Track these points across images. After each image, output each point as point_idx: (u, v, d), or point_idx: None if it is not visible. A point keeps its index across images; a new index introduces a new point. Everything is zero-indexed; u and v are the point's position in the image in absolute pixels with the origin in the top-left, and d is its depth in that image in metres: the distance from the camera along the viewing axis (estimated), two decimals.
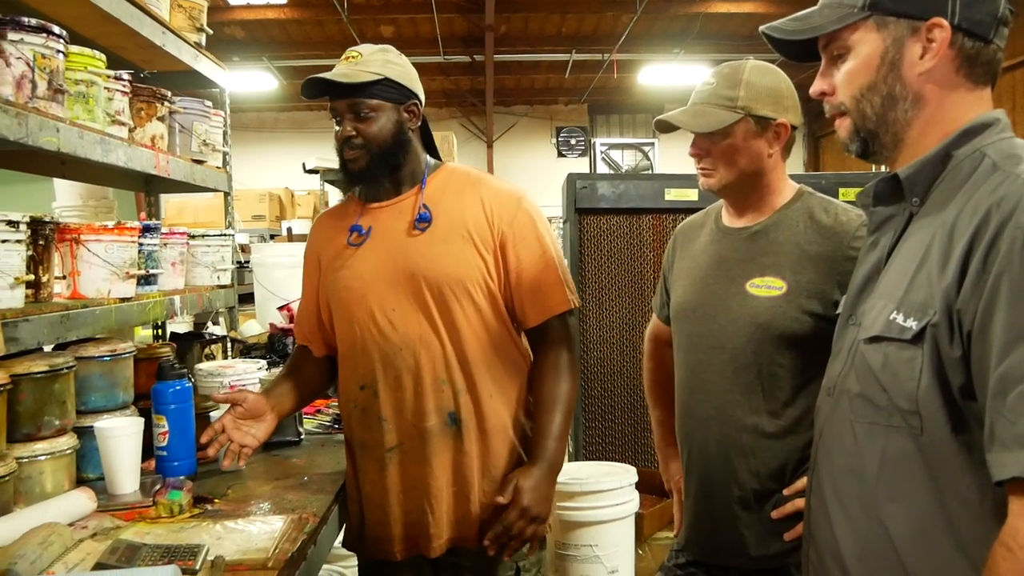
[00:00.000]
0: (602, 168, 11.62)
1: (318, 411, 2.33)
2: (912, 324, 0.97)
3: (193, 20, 2.46)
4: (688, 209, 1.89)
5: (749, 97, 1.49)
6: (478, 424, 1.60)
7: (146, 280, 2.10)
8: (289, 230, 5.66)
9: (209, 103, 2.52)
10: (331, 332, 1.72)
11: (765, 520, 1.49)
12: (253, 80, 10.26)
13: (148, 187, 2.79)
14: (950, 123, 1.04)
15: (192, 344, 2.44)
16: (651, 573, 1.78)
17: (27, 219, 1.58)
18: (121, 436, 1.54)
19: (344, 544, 1.74)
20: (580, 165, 13.28)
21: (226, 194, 2.81)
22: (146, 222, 2.10)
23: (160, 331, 2.78)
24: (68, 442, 1.55)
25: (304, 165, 5.77)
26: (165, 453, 1.70)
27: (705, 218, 1.71)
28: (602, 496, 2.25)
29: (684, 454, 1.63)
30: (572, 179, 3.05)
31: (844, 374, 1.08)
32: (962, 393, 0.93)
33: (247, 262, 3.64)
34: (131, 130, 2.08)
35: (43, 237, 1.70)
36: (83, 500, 1.41)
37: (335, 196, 5.86)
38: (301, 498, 1.60)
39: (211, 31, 2.57)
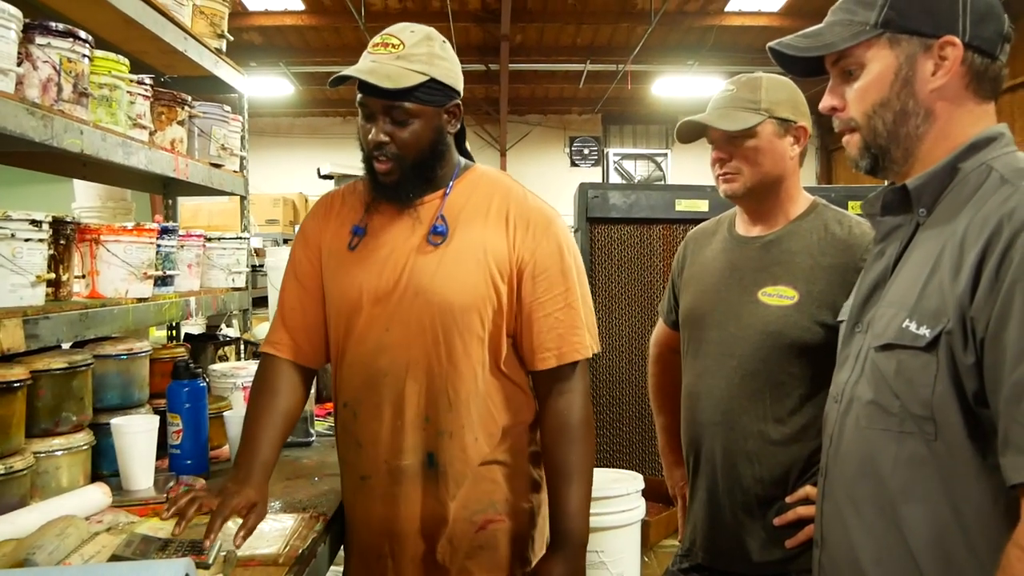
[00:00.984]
0: (614, 178, 11.64)
1: (329, 413, 2.36)
2: (926, 332, 0.99)
3: (214, 26, 2.50)
4: (698, 220, 1.90)
5: (770, 100, 1.53)
6: (459, 470, 1.44)
7: (163, 281, 2.14)
8: None
9: (228, 108, 2.56)
10: (318, 337, 1.55)
11: (768, 527, 1.51)
12: (270, 85, 10.36)
13: (166, 190, 2.83)
14: (957, 137, 1.07)
15: (206, 345, 2.48)
16: None
17: (49, 219, 1.62)
18: (137, 433, 1.57)
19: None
20: (593, 175, 13.30)
21: (242, 198, 2.85)
22: (164, 224, 2.13)
23: (174, 332, 2.82)
24: (85, 438, 1.58)
25: (319, 171, 5.84)
26: (179, 451, 1.73)
27: (717, 226, 1.73)
28: (608, 503, 2.27)
29: (689, 460, 1.64)
30: (584, 189, 3.08)
31: (854, 381, 1.10)
32: (976, 399, 0.96)
33: (261, 266, 3.68)
34: (151, 133, 2.12)
35: (64, 237, 1.73)
36: (98, 495, 1.44)
37: None
38: (312, 498, 1.62)
39: (231, 37, 2.62)
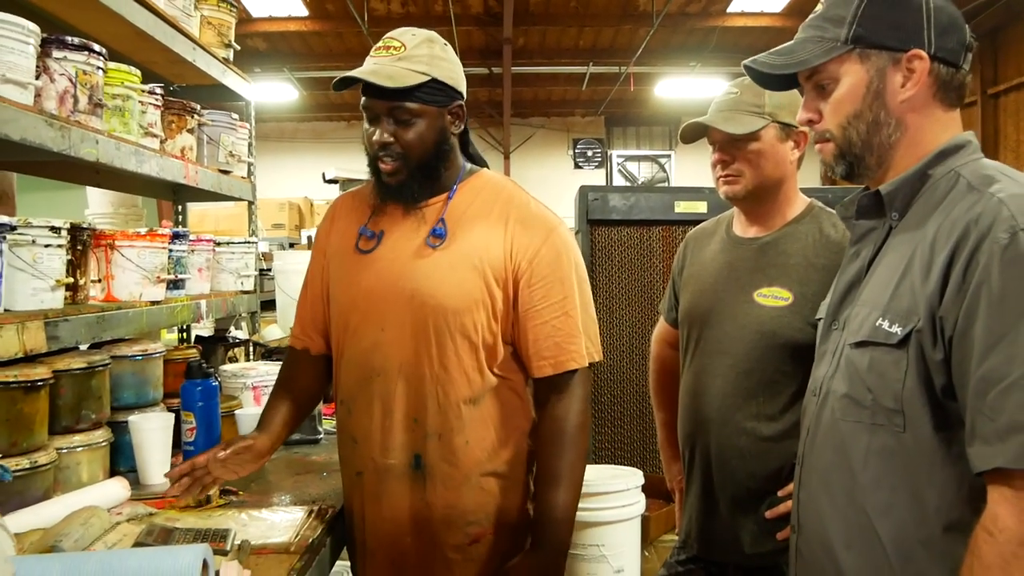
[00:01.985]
0: (618, 180, 11.68)
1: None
2: (898, 330, 1.05)
3: (222, 36, 2.57)
4: (697, 221, 1.95)
5: (774, 104, 1.58)
6: (447, 473, 1.44)
7: (174, 285, 2.21)
8: (310, 239, 5.77)
9: (236, 115, 2.63)
10: (329, 328, 1.60)
11: (760, 520, 1.56)
12: (274, 91, 10.44)
13: (176, 196, 2.90)
14: (927, 144, 1.13)
15: (216, 347, 2.54)
16: (656, 574, 1.85)
17: (67, 225, 1.69)
18: (154, 429, 1.64)
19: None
20: (597, 177, 13.35)
21: (250, 203, 2.91)
22: (176, 229, 2.20)
23: (185, 334, 2.89)
24: (103, 435, 1.65)
25: (324, 175, 5.91)
26: (192, 448, 1.79)
27: (716, 226, 1.78)
28: (609, 498, 2.32)
29: (685, 455, 1.70)
30: (584, 191, 3.14)
31: (830, 376, 1.16)
32: (943, 393, 1.01)
33: (268, 269, 3.75)
34: (162, 141, 2.18)
35: (81, 242, 1.80)
36: (118, 488, 1.51)
37: None
38: (321, 492, 1.68)
39: (238, 46, 2.68)
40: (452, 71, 1.46)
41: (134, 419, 1.66)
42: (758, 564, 1.58)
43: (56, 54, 1.68)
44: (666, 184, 10.72)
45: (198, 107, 2.38)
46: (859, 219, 1.20)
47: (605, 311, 3.08)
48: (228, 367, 2.30)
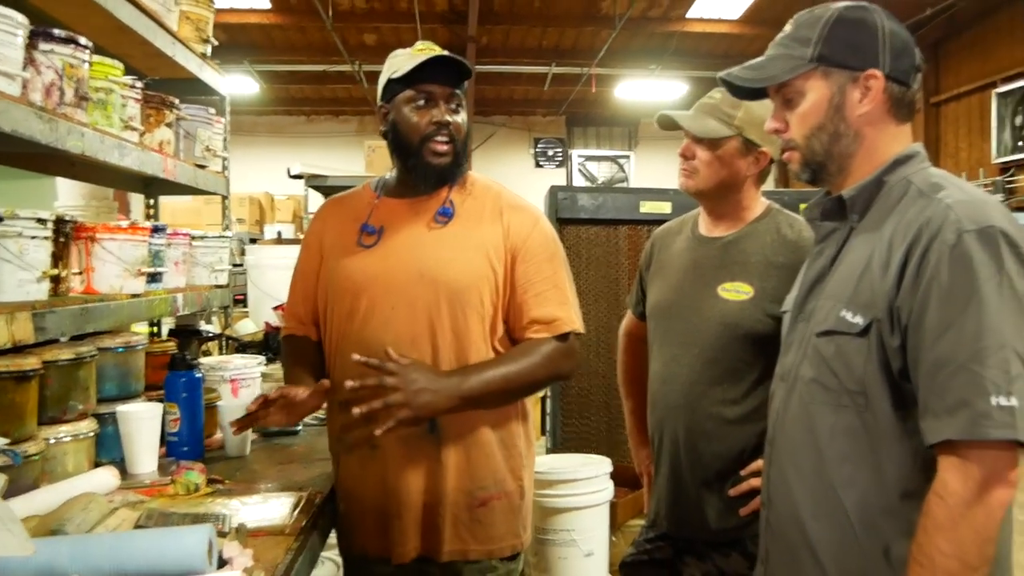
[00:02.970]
0: (578, 179, 11.79)
1: None
2: (860, 320, 1.16)
3: (200, 32, 2.58)
4: (661, 221, 2.04)
5: (745, 120, 1.67)
6: (459, 435, 1.56)
7: (152, 278, 2.22)
8: (279, 233, 5.79)
9: (212, 110, 2.64)
10: (323, 320, 1.68)
11: (725, 498, 1.67)
12: (234, 83, 10.33)
13: (148, 189, 2.90)
14: (882, 154, 1.25)
15: (191, 340, 2.55)
16: (625, 553, 1.94)
17: (53, 218, 1.70)
18: (143, 419, 1.66)
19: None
20: (557, 176, 13.47)
21: (224, 197, 2.92)
22: (155, 223, 2.21)
23: (156, 328, 2.89)
24: (90, 426, 1.67)
25: (289, 171, 5.89)
26: (176, 439, 1.83)
27: (682, 225, 1.88)
28: (579, 484, 2.41)
29: (655, 439, 1.79)
30: (554, 191, 3.22)
31: (798, 363, 1.27)
32: (900, 375, 1.13)
33: (239, 264, 3.76)
34: (141, 135, 2.19)
35: (64, 235, 1.81)
36: (108, 477, 1.53)
37: (316, 201, 5.98)
38: (307, 479, 1.72)
39: (216, 41, 2.70)
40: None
41: (123, 409, 1.68)
42: (723, 539, 1.68)
43: (43, 46, 1.69)
44: (625, 184, 10.89)
45: (176, 101, 2.39)
46: (823, 221, 1.31)
47: None
48: (206, 360, 2.32)
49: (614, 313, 3.14)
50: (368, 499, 1.60)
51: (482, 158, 13.65)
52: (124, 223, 2.01)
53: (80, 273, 1.95)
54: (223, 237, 2.71)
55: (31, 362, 1.48)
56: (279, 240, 5.58)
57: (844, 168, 1.26)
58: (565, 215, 3.19)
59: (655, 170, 11.20)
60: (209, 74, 2.71)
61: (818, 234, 1.35)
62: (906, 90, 1.24)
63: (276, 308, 2.96)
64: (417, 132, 1.59)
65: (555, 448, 3.15)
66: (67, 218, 1.83)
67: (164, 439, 1.84)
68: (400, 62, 1.62)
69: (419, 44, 1.65)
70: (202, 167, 2.60)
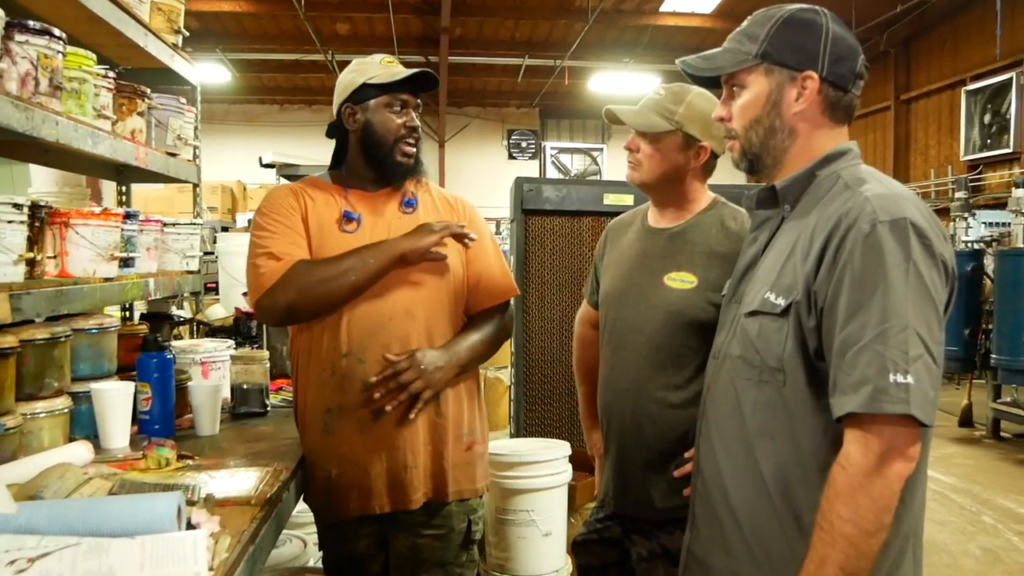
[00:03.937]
0: (551, 171, 11.88)
1: (280, 388, 2.54)
2: (781, 301, 1.26)
3: (171, 22, 2.64)
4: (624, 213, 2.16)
5: (685, 116, 1.76)
6: (452, 392, 1.82)
7: (125, 263, 2.28)
8: (250, 222, 5.77)
9: (183, 100, 2.70)
10: None
11: (669, 479, 1.75)
12: (206, 72, 10.27)
13: (120, 176, 2.94)
14: (815, 150, 1.34)
15: (163, 324, 2.61)
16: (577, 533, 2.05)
17: (28, 203, 1.76)
18: (116, 396, 1.73)
19: (311, 505, 1.90)
20: (530, 168, 13.54)
21: (195, 185, 2.98)
22: (127, 209, 2.27)
23: (128, 312, 2.94)
24: (64, 403, 1.74)
25: (260, 159, 5.91)
26: (148, 417, 1.90)
27: (633, 217, 1.97)
28: (538, 467, 2.51)
29: (604, 422, 1.88)
30: (519, 182, 3.31)
31: (728, 342, 1.37)
32: (815, 355, 1.23)
33: (210, 252, 3.80)
34: (113, 123, 2.25)
35: (39, 219, 1.87)
36: (82, 451, 1.60)
37: None
38: (272, 457, 1.80)
39: (187, 32, 2.75)
40: None
41: (97, 387, 1.75)
42: (667, 518, 1.77)
43: (19, 38, 1.74)
44: (598, 176, 10.99)
45: (148, 91, 2.44)
46: (758, 209, 1.42)
47: (537, 295, 3.26)
48: (177, 343, 2.39)
49: (577, 303, 3.23)
50: (374, 459, 1.77)
51: (455, 149, 13.69)
52: (97, 209, 2.07)
53: (54, 257, 2.01)
54: (194, 224, 2.77)
55: (8, 340, 1.55)
56: (248, 228, 5.61)
57: (779, 161, 1.36)
58: (530, 206, 3.28)
59: None
60: (180, 64, 2.76)
61: (753, 222, 1.45)
62: (843, 95, 1.32)
63: (245, 294, 3.01)
64: (392, 134, 1.83)
65: (518, 433, 3.25)
66: (42, 203, 1.89)
67: (136, 418, 1.91)
68: (374, 70, 1.83)
69: (385, 56, 1.90)
70: (173, 155, 2.65)
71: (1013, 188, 6.49)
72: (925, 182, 10.82)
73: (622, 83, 11.12)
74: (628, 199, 3.24)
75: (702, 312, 1.72)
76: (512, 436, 3.30)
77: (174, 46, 2.67)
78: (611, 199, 3.29)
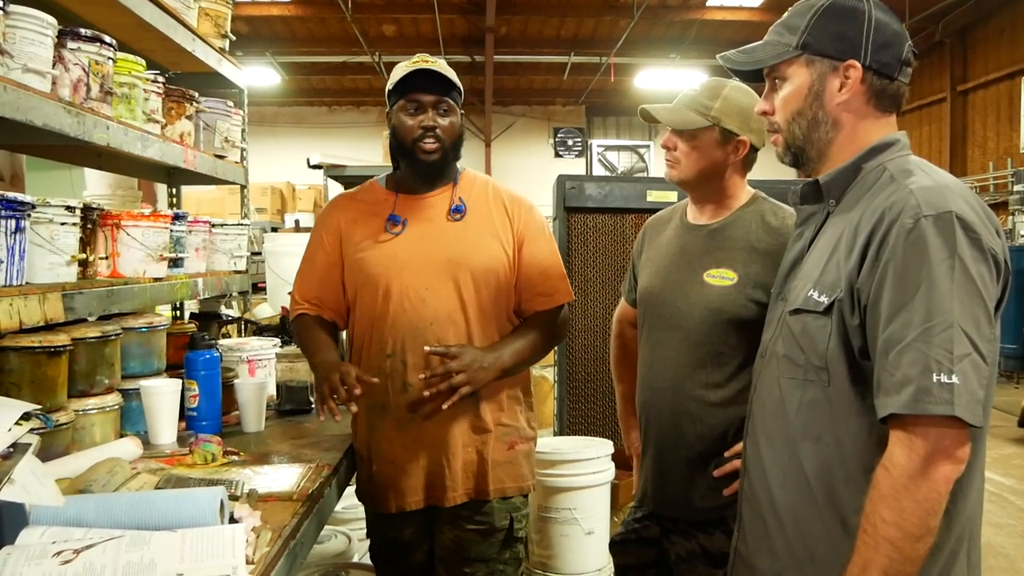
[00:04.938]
0: (598, 169, 11.81)
1: None
2: (824, 299, 1.23)
3: (218, 27, 2.69)
4: None
5: (722, 110, 1.73)
6: (490, 395, 1.83)
7: (174, 263, 2.33)
8: (297, 222, 5.93)
9: (231, 103, 2.75)
10: (343, 303, 1.92)
11: (708, 478, 1.73)
12: (256, 75, 10.48)
13: (170, 179, 3.02)
14: (860, 142, 1.30)
15: (211, 323, 2.68)
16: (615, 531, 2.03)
17: (80, 205, 1.82)
18: (165, 394, 1.78)
19: (357, 494, 1.96)
20: (577, 166, 13.50)
21: (242, 187, 3.04)
22: (176, 211, 2.33)
23: (179, 311, 3.02)
24: (115, 400, 1.79)
25: (308, 160, 6.01)
26: (195, 414, 1.94)
27: (672, 214, 1.95)
28: (581, 464, 2.49)
29: (642, 421, 1.86)
30: (562, 180, 3.29)
31: (774, 340, 1.34)
32: (860, 353, 1.20)
33: (257, 252, 3.88)
34: (163, 127, 2.31)
35: (91, 222, 1.93)
36: (131, 446, 1.65)
37: (335, 191, 6.09)
38: (315, 453, 1.83)
39: (234, 37, 2.80)
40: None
41: (146, 384, 1.80)
42: (706, 518, 1.74)
43: (71, 45, 1.80)
44: (645, 173, 10.90)
45: (196, 95, 2.50)
46: (802, 204, 1.38)
47: (581, 293, 3.24)
48: (225, 342, 2.44)
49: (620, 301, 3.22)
50: (410, 458, 1.81)
51: (501, 148, 13.72)
52: (147, 211, 2.13)
53: (106, 258, 2.07)
54: (242, 225, 2.82)
55: (62, 338, 1.60)
56: (297, 228, 5.72)
57: (823, 154, 1.32)
58: (572, 204, 3.27)
59: None
60: (228, 68, 2.81)
61: (799, 217, 1.42)
62: (888, 83, 1.27)
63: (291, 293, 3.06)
64: (409, 135, 1.83)
65: (562, 432, 3.24)
66: (94, 206, 1.95)
67: (184, 414, 1.96)
68: (397, 75, 1.85)
69: (415, 57, 1.87)
70: (221, 157, 2.71)
71: None
72: (983, 175, 10.46)
73: (669, 79, 11.00)
74: (671, 196, 3.21)
75: (742, 309, 1.69)
76: (556, 434, 3.29)
77: (221, 50, 2.73)
78: (654, 196, 3.26)
